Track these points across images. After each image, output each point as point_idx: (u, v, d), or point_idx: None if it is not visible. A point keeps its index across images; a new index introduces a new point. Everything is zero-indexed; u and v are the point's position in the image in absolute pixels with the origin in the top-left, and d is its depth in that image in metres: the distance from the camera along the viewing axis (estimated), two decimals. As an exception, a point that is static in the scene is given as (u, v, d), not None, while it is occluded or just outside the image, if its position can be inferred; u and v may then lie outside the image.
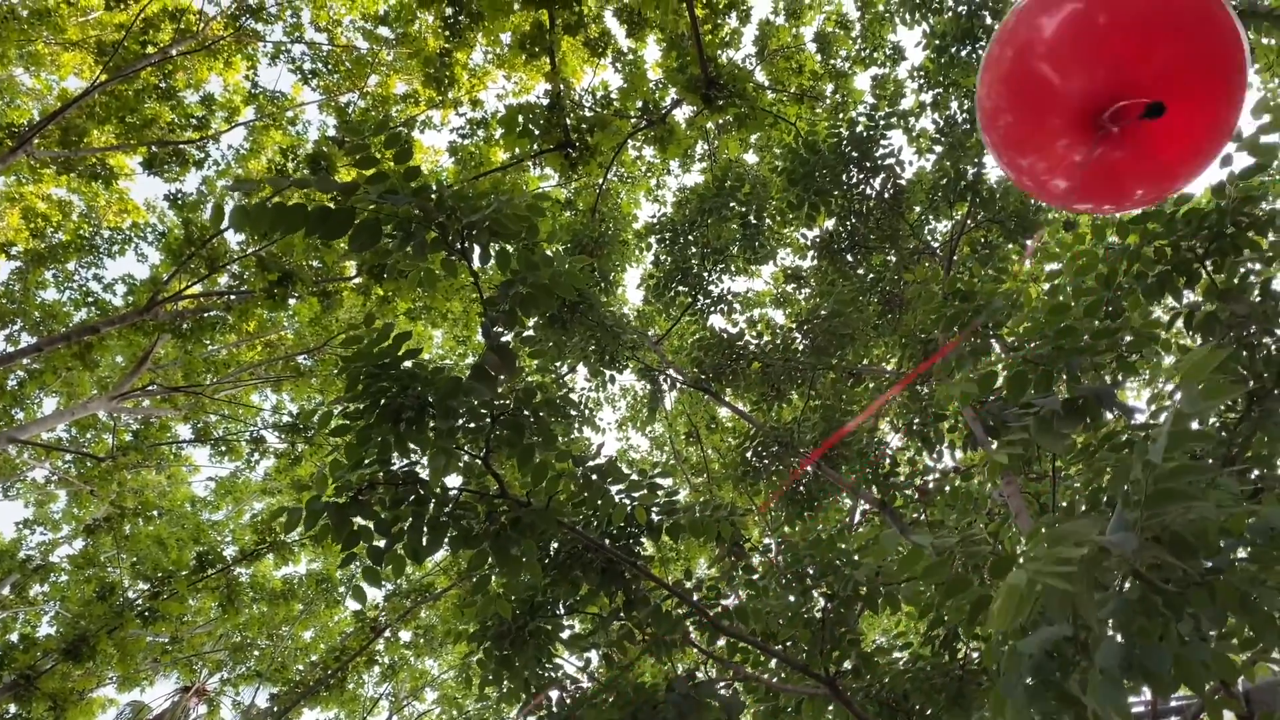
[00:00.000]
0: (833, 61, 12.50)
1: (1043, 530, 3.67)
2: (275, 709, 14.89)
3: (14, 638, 13.65)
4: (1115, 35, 1.55)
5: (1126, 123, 1.49)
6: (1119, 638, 2.09)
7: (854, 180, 8.95)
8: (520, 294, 3.38)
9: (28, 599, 15.45)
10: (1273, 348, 3.85)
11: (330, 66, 14.02)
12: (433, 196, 3.09)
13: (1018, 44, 1.68)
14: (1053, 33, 1.63)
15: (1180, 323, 4.19)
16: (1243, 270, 4.07)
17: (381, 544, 3.70)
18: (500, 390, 3.66)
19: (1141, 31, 1.54)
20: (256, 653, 17.62)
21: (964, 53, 8.25)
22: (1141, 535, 2.11)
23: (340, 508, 3.55)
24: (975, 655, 5.03)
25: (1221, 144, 1.64)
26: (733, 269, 10.34)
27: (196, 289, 13.76)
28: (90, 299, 14.95)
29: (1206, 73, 1.58)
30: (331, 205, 2.84)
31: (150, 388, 15.59)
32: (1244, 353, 3.96)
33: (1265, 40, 7.95)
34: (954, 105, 8.86)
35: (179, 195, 13.91)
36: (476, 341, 15.98)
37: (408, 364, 3.55)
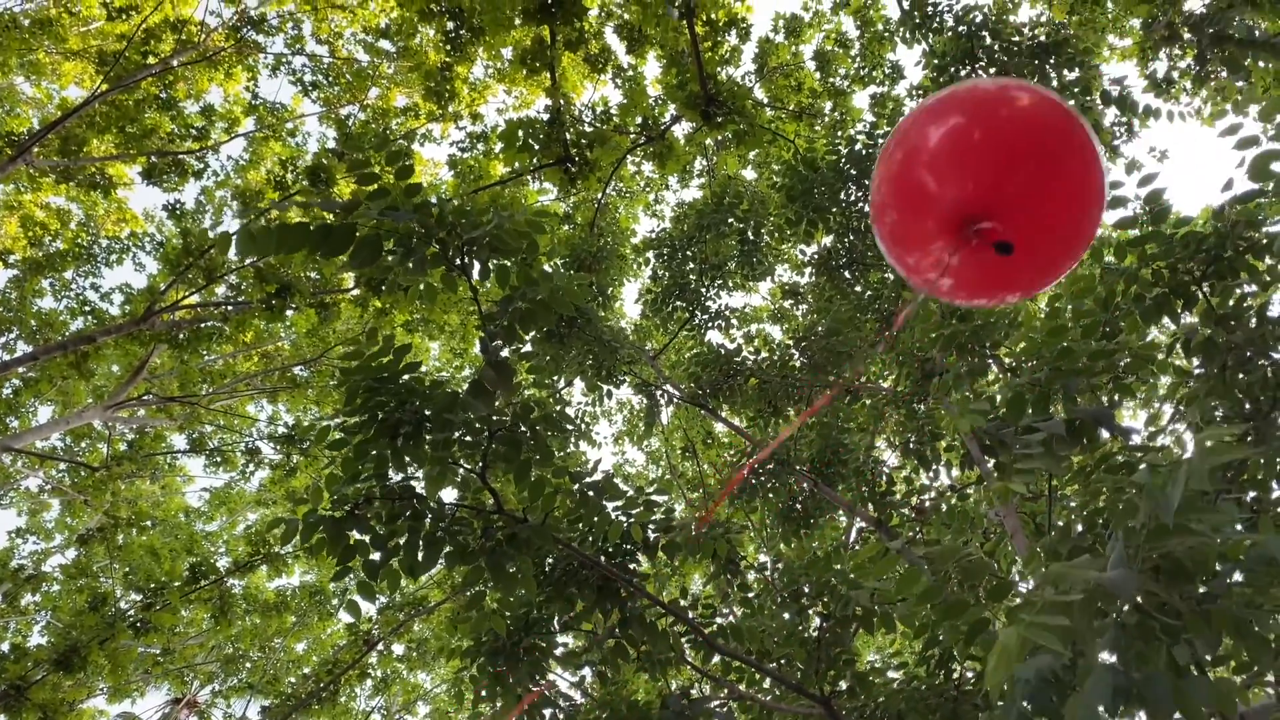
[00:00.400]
0: (832, 79, 12.55)
1: (1040, 553, 3.67)
2: (266, 722, 14.81)
3: (5, 647, 13.56)
4: (979, 159, 1.64)
5: (986, 241, 1.57)
6: (1115, 662, 2.09)
7: (852, 198, 8.98)
8: (519, 310, 3.38)
9: (19, 608, 15.36)
10: (1269, 372, 3.86)
11: (331, 79, 14.06)
12: (433, 212, 3.09)
13: (903, 148, 1.78)
14: (929, 145, 1.72)
15: (1178, 346, 4.20)
16: (1239, 293, 4.08)
17: (377, 558, 3.69)
18: (498, 405, 3.65)
19: (1007, 159, 1.63)
20: (249, 665, 17.51)
21: (964, 72, 8.29)
22: (1141, 564, 2.11)
23: (337, 521, 3.55)
24: (970, 675, 5.02)
25: (1079, 254, 1.75)
26: (730, 284, 10.35)
27: (194, 299, 13.75)
28: (87, 308, 14.93)
29: (1063, 203, 1.68)
30: (332, 221, 2.84)
31: (146, 397, 15.56)
32: (1240, 376, 3.97)
33: (1261, 64, 8.00)
34: (952, 125, 8.89)
35: (178, 205, 13.92)
36: (474, 354, 15.97)
37: (406, 378, 3.55)
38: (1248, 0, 6.90)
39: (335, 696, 15.38)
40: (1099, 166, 1.72)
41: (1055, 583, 1.99)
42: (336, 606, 17.29)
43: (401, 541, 3.70)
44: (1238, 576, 2.70)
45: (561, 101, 9.86)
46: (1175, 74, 8.89)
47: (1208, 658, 2.65)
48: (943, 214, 1.62)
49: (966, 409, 3.37)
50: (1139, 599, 2.28)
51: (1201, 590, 2.47)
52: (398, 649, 16.92)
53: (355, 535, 3.63)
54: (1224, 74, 7.90)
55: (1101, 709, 1.84)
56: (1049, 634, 1.80)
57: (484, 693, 5.16)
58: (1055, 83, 8.19)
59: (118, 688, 14.97)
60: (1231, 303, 4.06)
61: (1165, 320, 4.27)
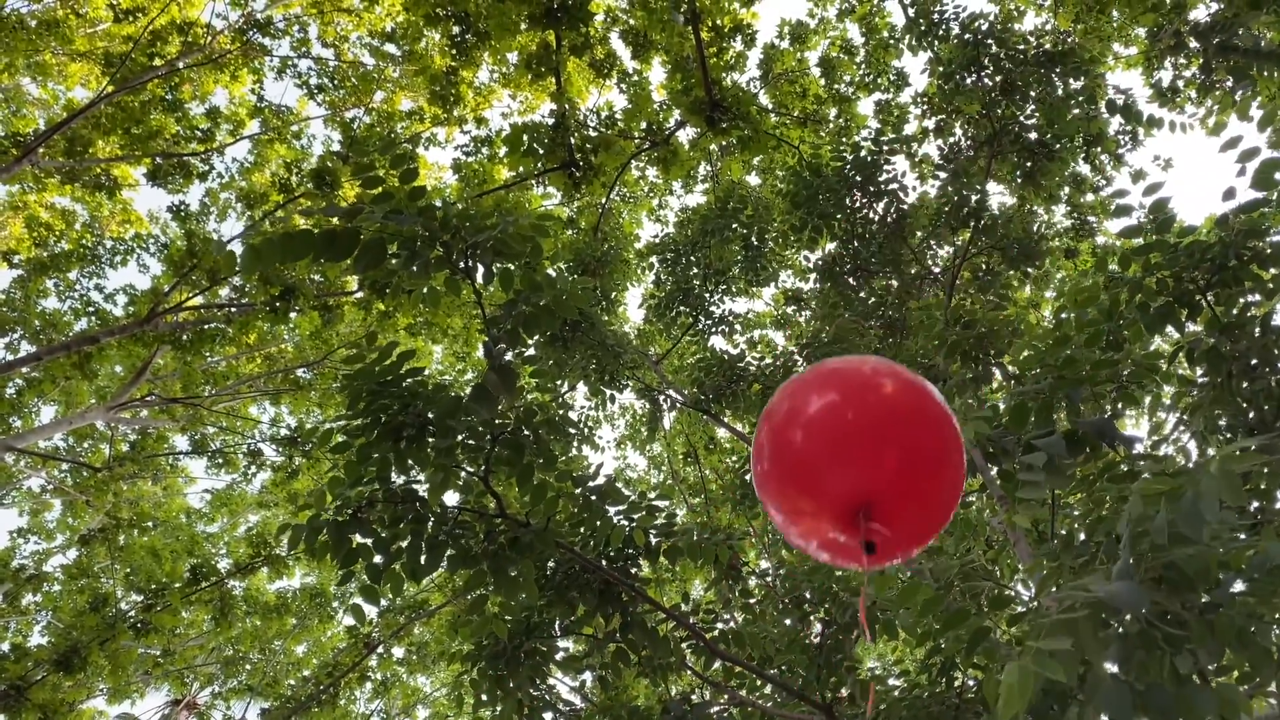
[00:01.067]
0: (837, 86, 12.56)
1: (1042, 561, 3.67)
2: (266, 724, 14.80)
3: (5, 647, 13.57)
4: (862, 456, 1.70)
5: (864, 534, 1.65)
6: (1119, 674, 2.08)
7: (857, 204, 8.98)
8: (523, 313, 3.39)
9: (20, 608, 15.37)
10: (1273, 381, 3.85)
11: (336, 82, 14.09)
12: (438, 215, 3.10)
13: (777, 428, 1.84)
14: (803, 430, 1.79)
15: (1182, 355, 4.20)
16: (1243, 302, 4.08)
17: (380, 561, 3.69)
18: (501, 409, 3.66)
19: (891, 458, 1.69)
20: (249, 667, 17.51)
21: (969, 80, 8.29)
22: (1144, 574, 2.11)
23: (339, 525, 3.55)
24: (972, 684, 5.01)
25: (942, 526, 1.84)
26: (734, 290, 10.35)
27: (197, 300, 13.77)
28: (91, 309, 14.95)
29: (927, 499, 1.75)
30: (336, 225, 2.85)
31: (149, 398, 15.58)
32: (1244, 385, 3.97)
33: (1266, 74, 7.99)
34: (958, 132, 8.91)
35: (182, 207, 13.94)
36: (476, 358, 15.98)
37: (409, 382, 3.55)
38: (1254, 6, 6.90)
39: (335, 699, 15.36)
40: (962, 452, 1.80)
41: (1062, 603, 1.99)
42: (337, 609, 17.29)
43: (404, 545, 3.70)
44: (1239, 586, 2.69)
45: (566, 106, 9.88)
46: (1180, 83, 8.89)
47: (1210, 667, 2.65)
48: (831, 505, 1.68)
49: (970, 417, 3.36)
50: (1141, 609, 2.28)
51: (1204, 600, 2.47)
52: (398, 652, 16.91)
53: (358, 539, 3.63)
54: (1229, 83, 7.90)
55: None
56: (1054, 665, 1.81)
57: (484, 696, 5.16)
58: (1060, 91, 8.19)
59: (118, 688, 14.96)
60: (1236, 312, 4.05)
61: (1169, 329, 4.27)
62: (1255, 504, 3.96)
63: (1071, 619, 1.87)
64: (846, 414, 1.76)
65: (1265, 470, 4.01)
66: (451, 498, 3.85)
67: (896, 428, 1.71)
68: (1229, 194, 3.85)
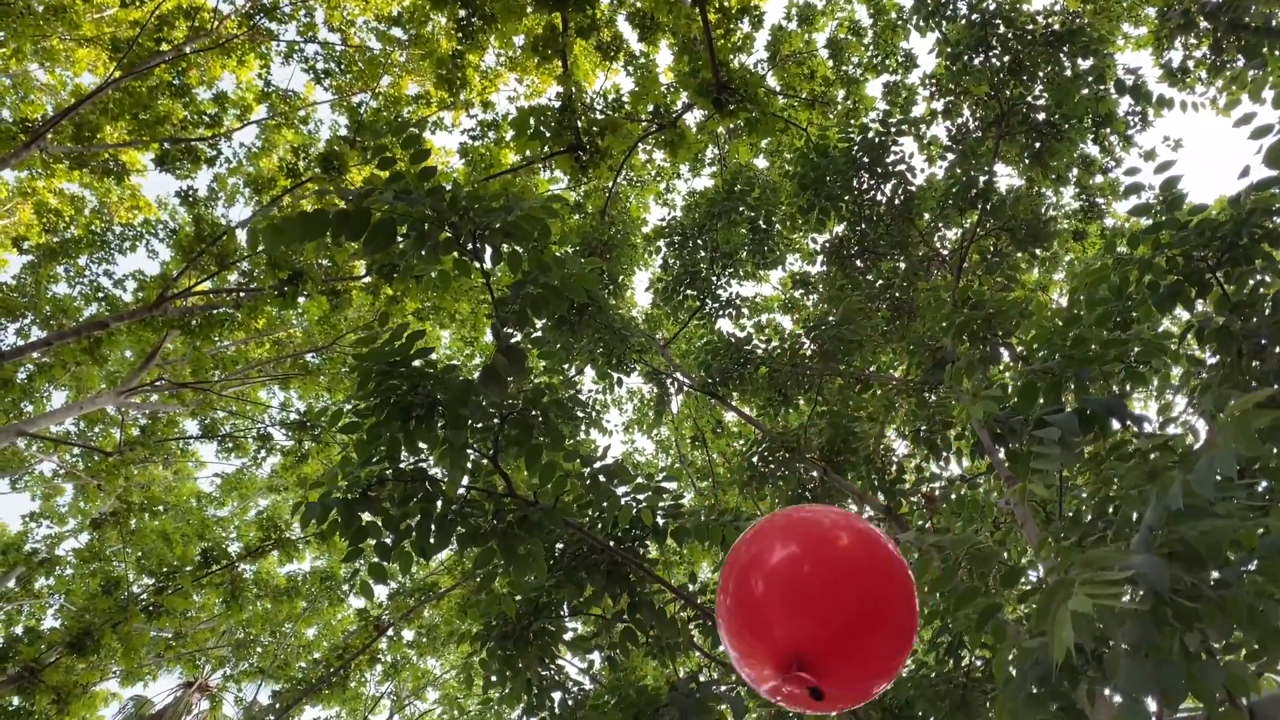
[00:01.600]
0: (845, 68, 12.50)
1: (1050, 541, 3.67)
2: (277, 706, 14.91)
3: (19, 630, 13.70)
4: (808, 612, 1.73)
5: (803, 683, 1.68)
6: (1128, 650, 2.09)
7: (864, 186, 8.95)
8: (531, 295, 3.39)
9: (33, 592, 15.51)
10: (1283, 360, 3.84)
11: (343, 66, 14.07)
12: (447, 197, 3.10)
13: (741, 580, 1.89)
14: (762, 588, 1.83)
15: (1191, 335, 4.18)
16: (1253, 281, 4.06)
17: (389, 540, 3.72)
18: (510, 389, 3.67)
19: (835, 614, 1.73)
20: (259, 649, 17.64)
21: (977, 61, 8.24)
22: (1160, 550, 2.11)
23: (349, 503, 3.57)
24: (980, 663, 5.02)
25: (889, 681, 1.88)
26: (741, 273, 10.34)
27: (206, 285, 13.80)
28: (100, 294, 15.00)
29: (878, 651, 1.78)
30: (347, 206, 2.86)
31: (158, 383, 15.64)
32: (1255, 364, 3.95)
33: (1277, 52, 7.92)
34: (966, 113, 8.86)
35: (190, 192, 13.96)
36: (484, 343, 16.00)
37: (418, 362, 3.56)
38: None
39: (345, 681, 15.48)
40: (914, 606, 1.83)
41: (1089, 565, 1.99)
42: (347, 592, 17.38)
43: (413, 523, 3.72)
44: (1251, 565, 2.69)
45: (573, 89, 9.85)
46: (1190, 64, 8.83)
47: (1218, 645, 2.65)
48: (771, 654, 1.72)
49: (980, 396, 3.36)
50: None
51: (1215, 576, 2.47)
52: (408, 635, 17.01)
53: (367, 517, 3.65)
54: (1240, 63, 7.85)
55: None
56: (1111, 596, 1.82)
57: (494, 677, 5.19)
58: (1069, 71, 8.14)
59: (130, 671, 15.10)
60: (1246, 291, 4.04)
61: (1179, 311, 4.25)
62: (1264, 484, 3.96)
63: (1116, 579, 1.88)
64: (786, 572, 1.80)
65: (1276, 450, 4.00)
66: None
67: (832, 586, 1.75)
68: (1244, 172, 3.82)
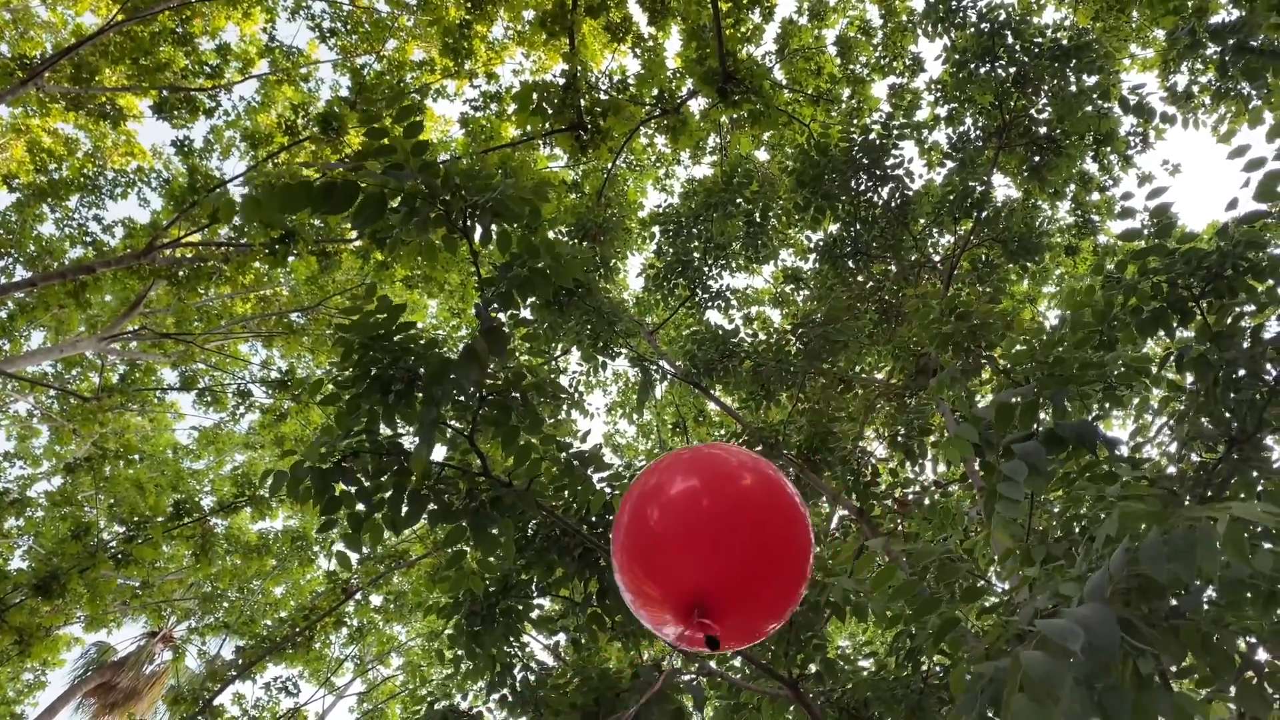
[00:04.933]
0: (852, 66, 12.48)
1: (1015, 552, 3.71)
2: (240, 662, 14.94)
3: (-15, 569, 13.65)
4: (703, 557, 1.71)
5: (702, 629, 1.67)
6: (1076, 679, 2.12)
7: (862, 187, 8.96)
8: (518, 277, 3.39)
9: (2, 531, 15.44)
10: (1257, 394, 3.88)
11: (349, 27, 13.94)
12: (439, 173, 3.09)
13: (635, 523, 1.85)
14: (657, 528, 1.80)
15: (1171, 360, 4.22)
16: (1236, 312, 4.09)
17: (361, 510, 3.72)
18: (491, 369, 3.67)
19: (728, 557, 1.71)
20: (226, 604, 17.63)
21: (983, 70, 8.25)
22: (1115, 585, 2.14)
23: (323, 473, 3.57)
24: (939, 670, 5.08)
25: (781, 621, 1.88)
26: (734, 265, 10.34)
27: (196, 238, 13.71)
28: (88, 238, 14.87)
29: (773, 593, 1.78)
30: (336, 176, 2.84)
31: (141, 331, 15.55)
32: (1230, 394, 3.99)
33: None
34: (968, 121, 8.87)
35: (186, 142, 13.84)
36: (471, 315, 15.96)
37: (399, 337, 3.56)
38: (1274, 9, 6.84)
39: (310, 642, 15.50)
40: (808, 552, 1.81)
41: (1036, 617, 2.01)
42: (317, 553, 17.38)
43: (386, 496, 3.73)
44: (1210, 593, 2.73)
45: (579, 68, 9.80)
46: (1195, 88, 8.85)
47: (1172, 670, 2.69)
48: (671, 600, 1.70)
49: (960, 433, 3.39)
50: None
51: (1173, 603, 2.51)
52: (375, 600, 17.04)
53: (341, 486, 3.65)
54: (1244, 86, 7.86)
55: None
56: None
57: (460, 650, 5.22)
58: (1074, 86, 8.16)
59: (95, 617, 15.07)
60: (1230, 321, 4.07)
61: (1161, 334, 4.29)
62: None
63: (1054, 649, 1.89)
64: (686, 511, 1.78)
65: (1244, 480, 4.04)
66: (436, 453, 3.87)
67: (735, 528, 1.72)
68: (1232, 204, 3.85)
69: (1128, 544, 2.23)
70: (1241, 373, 3.96)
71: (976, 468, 5.60)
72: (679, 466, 1.88)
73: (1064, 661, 1.84)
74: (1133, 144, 10.09)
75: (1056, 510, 4.51)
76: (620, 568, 1.82)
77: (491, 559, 4.59)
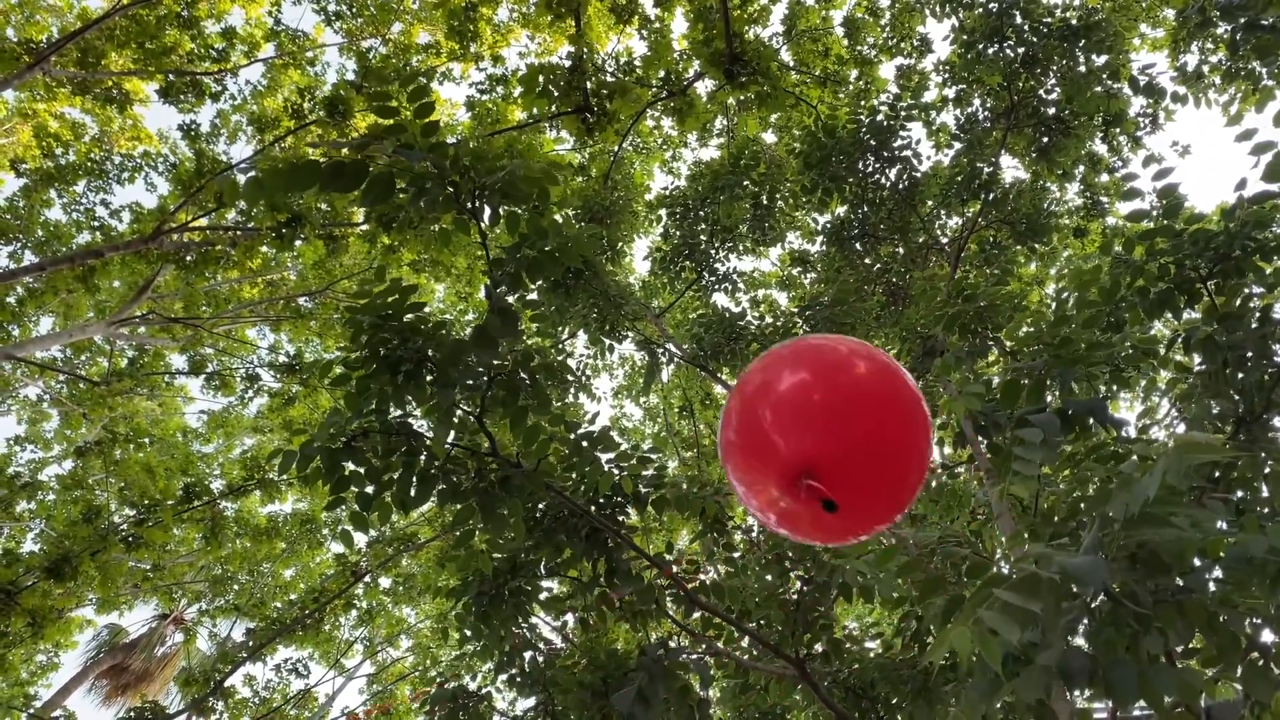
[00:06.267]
0: (859, 48, 12.42)
1: (1024, 534, 3.72)
2: (251, 644, 15.04)
3: (-3, 552, 13.74)
4: (815, 421, 1.69)
5: (814, 494, 1.62)
6: (1083, 647, 2.13)
7: (870, 169, 8.93)
8: (527, 258, 3.40)
9: (14, 515, 15.54)
10: (1265, 374, 3.88)
11: (354, 9, 13.90)
12: (448, 154, 3.10)
13: (743, 396, 1.84)
14: (772, 399, 1.79)
15: (1179, 341, 4.22)
16: (1244, 293, 4.09)
17: (370, 490, 3.75)
18: (500, 350, 3.68)
19: (841, 425, 1.69)
20: (236, 587, 17.73)
21: (991, 50, 8.20)
22: (1116, 553, 2.15)
23: (333, 452, 3.59)
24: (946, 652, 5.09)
25: (902, 510, 1.83)
26: (740, 248, 10.33)
27: (203, 222, 13.73)
28: (96, 223, 14.91)
29: (887, 471, 1.74)
30: (344, 156, 2.85)
31: (149, 315, 15.60)
32: (1238, 375, 3.99)
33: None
34: (976, 102, 8.83)
35: (193, 126, 13.84)
36: (478, 299, 15.97)
37: (409, 317, 3.57)
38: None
39: (320, 624, 15.60)
40: (928, 435, 1.79)
41: (1036, 561, 2.03)
42: (327, 536, 17.46)
43: (395, 476, 3.75)
44: (1218, 573, 2.74)
45: (584, 50, 9.77)
46: (1205, 69, 8.80)
47: (1179, 649, 2.71)
48: (778, 467, 1.67)
49: (965, 390, 3.39)
50: (1114, 587, 2.33)
51: (1178, 582, 2.52)
52: (385, 582, 17.13)
53: (350, 466, 3.68)
54: (1256, 65, 7.80)
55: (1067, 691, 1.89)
56: (1007, 621, 1.84)
57: (468, 632, 5.26)
58: (1083, 67, 8.11)
59: (106, 599, 15.18)
60: (1237, 302, 4.07)
61: (1168, 315, 4.28)
62: (1240, 493, 4.01)
63: (1031, 580, 1.91)
64: (803, 383, 1.76)
65: (1256, 460, 4.05)
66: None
67: (848, 401, 1.71)
68: (1241, 184, 3.85)
69: (1115, 503, 2.24)
70: (1249, 354, 3.96)
71: (983, 448, 5.60)
72: (789, 353, 1.88)
73: (1035, 602, 1.85)
74: (1142, 125, 10.03)
75: (1063, 489, 4.53)
76: (729, 456, 1.81)
77: (500, 539, 4.62)
